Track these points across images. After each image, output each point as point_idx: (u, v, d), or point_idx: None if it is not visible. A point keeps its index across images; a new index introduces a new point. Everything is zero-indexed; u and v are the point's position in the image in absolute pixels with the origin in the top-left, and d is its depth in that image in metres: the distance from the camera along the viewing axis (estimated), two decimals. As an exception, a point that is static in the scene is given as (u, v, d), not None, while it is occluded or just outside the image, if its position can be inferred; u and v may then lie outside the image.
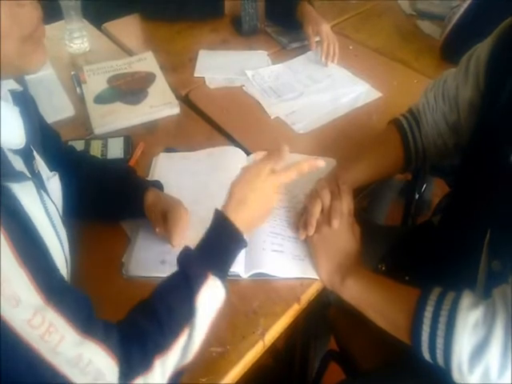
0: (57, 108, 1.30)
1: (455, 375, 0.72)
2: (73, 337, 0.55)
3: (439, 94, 1.04)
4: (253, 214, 0.79)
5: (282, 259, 0.94)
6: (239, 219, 0.76)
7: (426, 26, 1.78)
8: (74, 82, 1.42)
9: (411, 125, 1.08)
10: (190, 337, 0.65)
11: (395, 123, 1.10)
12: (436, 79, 1.08)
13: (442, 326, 0.73)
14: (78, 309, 0.58)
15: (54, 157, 0.81)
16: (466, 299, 0.73)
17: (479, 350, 0.69)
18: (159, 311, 0.65)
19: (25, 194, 0.61)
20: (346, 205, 0.95)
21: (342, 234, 0.93)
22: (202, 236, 0.75)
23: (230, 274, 0.90)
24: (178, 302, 0.67)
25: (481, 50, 0.93)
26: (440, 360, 0.74)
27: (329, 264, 0.92)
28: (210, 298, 0.70)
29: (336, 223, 0.92)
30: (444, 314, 0.73)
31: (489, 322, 0.69)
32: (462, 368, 0.70)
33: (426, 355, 0.77)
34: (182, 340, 0.65)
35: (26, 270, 0.53)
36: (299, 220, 0.98)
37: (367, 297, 0.87)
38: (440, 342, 0.73)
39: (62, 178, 0.81)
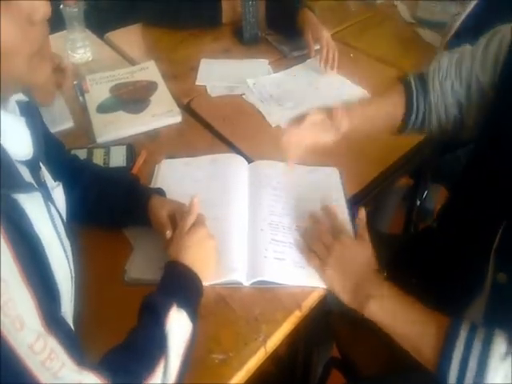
0: (57, 119, 1.31)
1: None
2: (72, 365, 0.55)
3: (452, 64, 0.99)
4: (196, 257, 0.85)
5: (284, 266, 0.95)
6: (186, 261, 0.83)
7: (426, 33, 1.79)
8: (77, 91, 1.44)
9: (417, 84, 1.03)
10: (166, 363, 0.67)
11: (402, 79, 1.07)
12: (451, 50, 1.05)
13: (471, 374, 0.72)
14: (72, 340, 0.58)
15: (58, 166, 0.81)
16: (497, 350, 0.72)
17: None
18: (134, 342, 0.68)
19: (33, 206, 0.61)
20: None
21: (350, 257, 0.92)
22: (159, 283, 0.81)
23: (231, 281, 0.92)
24: (150, 329, 0.70)
25: (504, 34, 0.89)
26: None
27: (348, 291, 0.90)
28: (178, 325, 0.72)
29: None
30: (473, 360, 0.72)
31: None
32: None
33: None
34: (161, 365, 0.66)
35: (32, 291, 0.53)
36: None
37: (392, 322, 0.84)
38: None
39: (65, 187, 0.81)
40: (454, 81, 0.99)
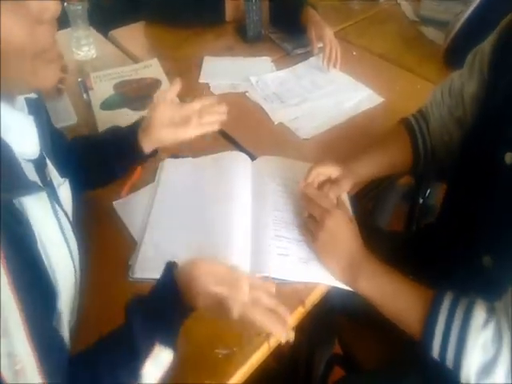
0: (61, 115, 1.31)
1: (463, 381, 0.76)
2: None
3: (446, 90, 1.06)
4: None
5: (288, 262, 0.95)
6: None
7: (429, 31, 1.80)
8: (81, 88, 1.44)
9: (420, 123, 1.10)
10: None
11: (404, 122, 1.12)
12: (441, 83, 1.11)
13: (453, 340, 0.76)
14: (56, 360, 0.58)
15: (62, 161, 0.81)
16: (477, 318, 0.75)
17: (486, 370, 0.73)
18: (107, 374, 0.64)
19: (37, 208, 0.61)
20: (340, 200, 0.98)
21: (340, 233, 0.93)
22: (151, 295, 0.72)
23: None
24: (124, 373, 0.66)
25: (485, 46, 0.95)
26: (449, 366, 0.77)
27: (338, 267, 0.92)
28: (157, 363, 0.67)
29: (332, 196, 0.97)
30: (455, 327, 0.76)
31: (496, 345, 0.73)
32: (470, 381, 0.75)
33: (436, 357, 0.79)
34: None
35: (21, 308, 0.52)
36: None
37: (380, 298, 0.87)
38: (450, 355, 0.76)
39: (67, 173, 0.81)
40: (449, 104, 1.05)
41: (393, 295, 0.86)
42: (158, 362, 0.67)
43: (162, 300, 0.70)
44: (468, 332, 0.74)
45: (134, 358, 0.65)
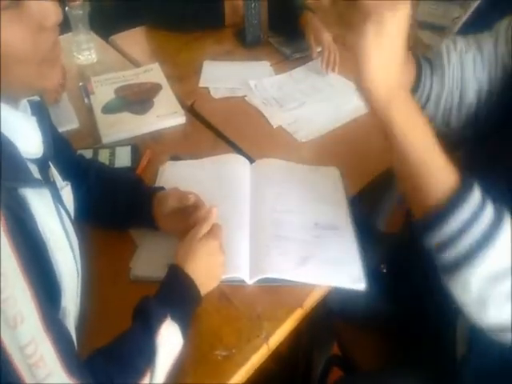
0: (62, 119, 1.32)
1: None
2: (59, 375, 0.55)
3: (473, 41, 0.87)
4: (202, 269, 0.85)
5: (287, 262, 0.95)
6: (191, 271, 0.83)
7: (426, 36, 1.80)
8: (82, 92, 1.46)
9: (424, 61, 0.90)
10: (152, 375, 0.67)
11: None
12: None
13: (474, 235, 0.64)
14: (68, 344, 0.59)
15: (65, 165, 0.82)
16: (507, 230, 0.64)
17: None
18: (122, 353, 0.67)
19: (40, 202, 0.62)
20: None
21: (397, 40, 0.69)
22: (159, 286, 0.80)
23: (234, 279, 0.93)
24: (140, 341, 0.69)
25: None
26: (457, 257, 0.66)
27: (378, 80, 0.68)
28: (169, 339, 0.72)
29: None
30: (482, 225, 0.64)
31: None
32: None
33: (438, 242, 0.68)
34: (146, 378, 0.67)
35: (32, 290, 0.53)
36: None
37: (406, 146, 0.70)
38: (465, 248, 0.65)
39: (71, 186, 0.82)
40: (475, 55, 0.85)
41: (423, 149, 0.69)
42: (170, 336, 0.72)
43: (173, 280, 0.81)
44: (497, 233, 0.63)
45: (149, 332, 0.69)
